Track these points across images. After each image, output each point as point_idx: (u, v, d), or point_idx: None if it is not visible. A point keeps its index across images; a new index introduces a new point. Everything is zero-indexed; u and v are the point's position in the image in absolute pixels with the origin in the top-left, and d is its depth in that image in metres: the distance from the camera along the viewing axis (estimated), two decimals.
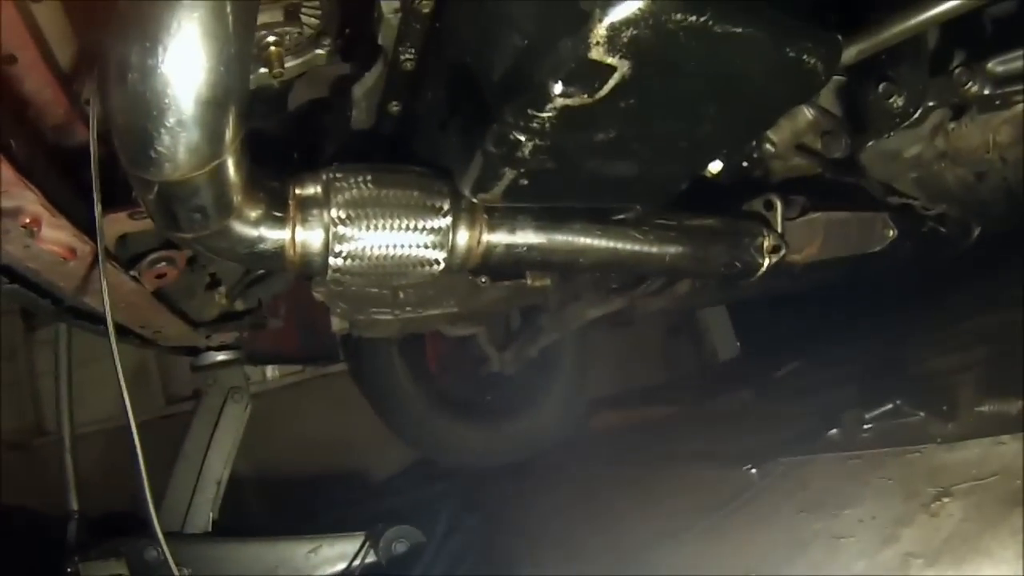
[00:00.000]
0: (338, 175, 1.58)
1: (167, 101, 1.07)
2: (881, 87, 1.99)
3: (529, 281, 2.28)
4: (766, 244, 2.17)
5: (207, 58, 1.05)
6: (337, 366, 4.48)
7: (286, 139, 1.97)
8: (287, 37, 1.60)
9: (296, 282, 2.57)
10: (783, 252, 2.20)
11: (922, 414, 2.44)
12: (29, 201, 1.43)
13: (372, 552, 2.95)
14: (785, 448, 2.64)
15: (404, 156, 1.75)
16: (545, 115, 1.28)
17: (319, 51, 1.65)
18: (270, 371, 4.50)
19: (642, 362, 5.32)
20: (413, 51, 1.58)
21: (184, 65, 1.05)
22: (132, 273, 1.91)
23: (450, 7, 1.47)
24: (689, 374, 5.28)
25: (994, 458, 2.00)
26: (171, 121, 1.10)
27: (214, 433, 2.95)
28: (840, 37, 1.47)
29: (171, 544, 2.72)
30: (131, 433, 1.55)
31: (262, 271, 2.34)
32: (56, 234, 1.57)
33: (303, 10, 1.60)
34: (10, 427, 4.64)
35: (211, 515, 2.89)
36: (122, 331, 1.61)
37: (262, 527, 3.14)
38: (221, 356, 2.90)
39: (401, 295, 2.16)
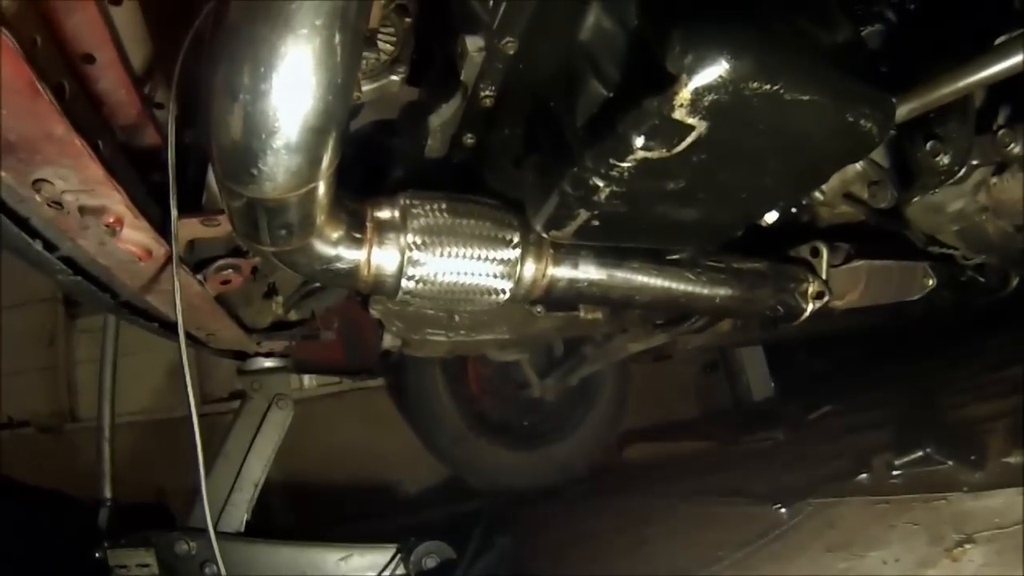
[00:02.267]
0: (415, 201, 1.64)
1: (276, 124, 1.12)
2: (929, 145, 2.03)
3: (582, 313, 2.31)
4: (810, 290, 2.22)
5: (317, 87, 1.09)
6: (374, 381, 4.54)
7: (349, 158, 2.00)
8: (364, 62, 1.64)
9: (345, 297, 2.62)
10: (827, 299, 2.24)
11: (951, 463, 2.47)
12: (115, 201, 1.47)
13: (402, 565, 2.97)
14: (815, 489, 2.67)
15: (473, 186, 1.80)
16: (624, 164, 1.33)
17: (393, 77, 1.68)
18: (307, 380, 4.55)
19: (677, 396, 5.36)
20: (493, 88, 1.63)
21: (296, 92, 1.09)
22: (198, 277, 1.95)
23: (535, 50, 1.52)
24: (723, 411, 5.29)
25: (1017, 508, 2.05)
26: (277, 144, 1.14)
27: (256, 436, 2.98)
28: (894, 99, 1.51)
29: (204, 540, 2.77)
30: (192, 434, 1.58)
31: (318, 284, 2.38)
32: (135, 235, 1.60)
33: (380, 36, 1.64)
34: (44, 411, 4.70)
35: (245, 516, 2.91)
36: (177, 330, 1.63)
37: (289, 531, 3.17)
38: (269, 363, 2.93)
39: (456, 318, 2.20)
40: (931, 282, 2.63)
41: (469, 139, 1.79)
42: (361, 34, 1.20)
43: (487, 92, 1.64)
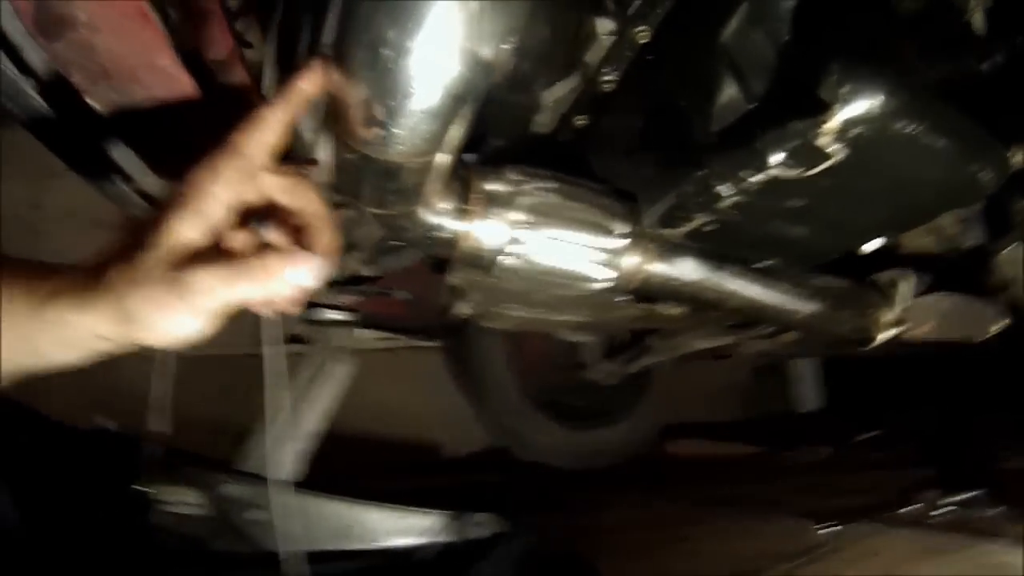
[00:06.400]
0: (524, 178, 1.62)
1: (416, 86, 1.09)
2: None
3: (664, 308, 2.30)
4: (887, 318, 2.20)
5: (466, 55, 1.07)
6: (429, 342, 4.54)
7: None
8: None
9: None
10: (902, 328, 2.22)
11: (996, 511, 2.47)
12: None
13: (451, 532, 2.98)
14: (859, 514, 2.66)
15: (575, 167, 1.77)
16: (755, 179, 1.32)
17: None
18: (363, 333, 4.57)
19: (727, 396, 5.34)
20: (616, 74, 1.61)
21: (445, 55, 1.06)
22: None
23: (670, 44, 1.51)
24: (771, 417, 5.29)
25: None
26: (416, 107, 1.12)
27: (316, 388, 3.00)
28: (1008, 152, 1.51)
29: (254, 487, 2.79)
30: (266, 384, 1.59)
31: (397, 242, 2.38)
32: None
33: None
34: None
35: (299, 465, 2.94)
36: None
37: (334, 484, 3.18)
38: (336, 315, 2.95)
39: (537, 296, 2.20)
40: (998, 326, 2.61)
41: (580, 120, 1.77)
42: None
43: (609, 77, 1.62)
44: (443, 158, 1.32)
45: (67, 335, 0.95)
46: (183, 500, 2.82)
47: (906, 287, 2.23)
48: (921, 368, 4.21)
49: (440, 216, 1.55)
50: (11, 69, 1.29)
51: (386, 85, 1.10)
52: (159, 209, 0.98)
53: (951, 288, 2.39)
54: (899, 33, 1.36)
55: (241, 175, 1.02)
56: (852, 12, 1.28)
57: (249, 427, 3.12)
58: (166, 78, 1.25)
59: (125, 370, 4.19)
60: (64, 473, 3.10)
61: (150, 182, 1.62)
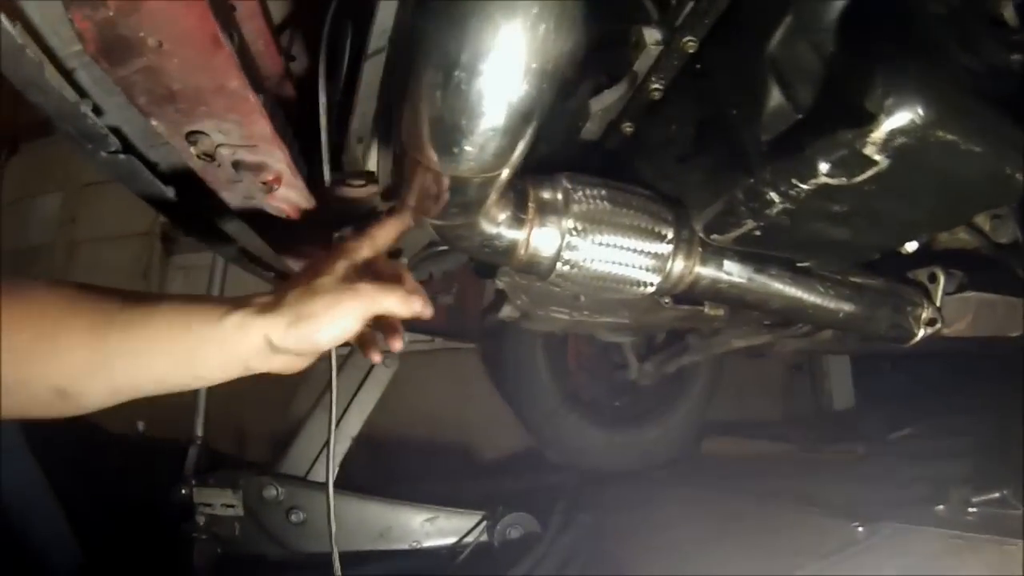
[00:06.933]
0: (576, 186, 1.67)
1: (486, 106, 1.13)
2: None
3: (706, 309, 2.33)
4: (924, 315, 2.21)
5: (535, 74, 1.11)
6: (466, 344, 4.56)
7: None
8: None
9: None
10: (938, 326, 2.24)
11: None
12: (277, 159, 1.47)
13: (486, 532, 3.03)
14: (892, 512, 2.67)
15: (621, 172, 1.83)
16: (804, 186, 1.37)
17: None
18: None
19: (760, 394, 5.32)
20: (664, 83, 1.63)
21: (513, 76, 1.10)
22: (336, 236, 1.98)
23: (719, 54, 1.54)
24: (804, 415, 5.26)
25: None
26: (485, 126, 1.16)
27: (358, 391, 3.05)
28: None
29: (293, 488, 2.84)
30: (332, 383, 1.64)
31: (441, 248, 2.42)
32: (289, 193, 1.62)
33: None
34: None
35: (337, 468, 2.97)
36: None
37: (371, 486, 3.22)
38: None
39: (582, 298, 2.23)
40: None
41: (628, 127, 1.80)
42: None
43: (657, 85, 1.64)
44: (507, 173, 1.36)
45: (240, 345, 1.19)
46: (224, 502, 2.87)
47: (942, 284, 2.26)
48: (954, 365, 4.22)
49: (498, 226, 1.61)
50: (71, 95, 1.33)
51: (458, 105, 1.14)
52: (328, 257, 1.31)
53: (986, 284, 2.41)
54: (936, 34, 1.39)
55: (372, 249, 1.42)
56: (891, 18, 1.32)
57: (288, 431, 3.17)
58: (234, 99, 1.26)
59: None
60: (112, 481, 3.16)
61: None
